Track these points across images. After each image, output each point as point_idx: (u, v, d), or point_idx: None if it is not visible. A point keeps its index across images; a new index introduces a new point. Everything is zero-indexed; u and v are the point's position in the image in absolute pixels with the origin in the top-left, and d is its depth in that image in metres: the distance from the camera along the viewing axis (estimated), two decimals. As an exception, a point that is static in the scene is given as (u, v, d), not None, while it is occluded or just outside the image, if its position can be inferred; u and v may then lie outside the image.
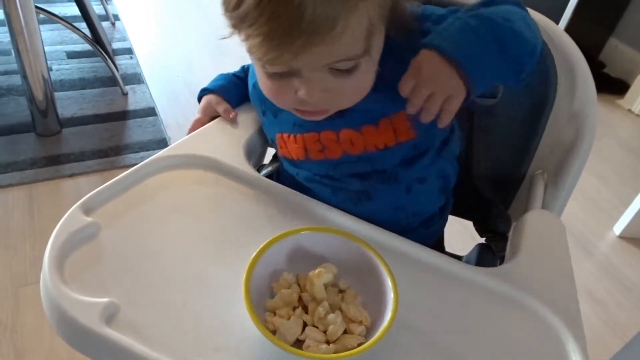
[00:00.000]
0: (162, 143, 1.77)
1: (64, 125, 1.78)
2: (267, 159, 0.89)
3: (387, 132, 0.65)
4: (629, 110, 2.31)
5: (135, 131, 1.81)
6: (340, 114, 0.64)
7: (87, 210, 0.58)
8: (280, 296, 0.52)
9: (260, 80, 0.61)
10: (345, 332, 0.50)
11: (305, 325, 0.50)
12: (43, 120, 1.73)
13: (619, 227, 1.67)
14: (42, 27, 1.67)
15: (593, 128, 0.74)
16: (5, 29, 1.59)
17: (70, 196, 1.54)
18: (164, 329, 0.49)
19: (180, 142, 0.70)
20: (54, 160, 1.64)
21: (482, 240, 0.84)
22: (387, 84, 0.60)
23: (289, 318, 0.50)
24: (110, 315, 0.49)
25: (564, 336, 0.54)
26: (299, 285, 0.53)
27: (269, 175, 0.82)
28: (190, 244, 0.58)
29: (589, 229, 1.69)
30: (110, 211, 0.60)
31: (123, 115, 1.88)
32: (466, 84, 0.55)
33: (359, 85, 0.59)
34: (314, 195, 0.68)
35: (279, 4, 0.49)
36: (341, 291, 0.54)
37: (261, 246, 0.52)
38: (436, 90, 0.55)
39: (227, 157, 0.68)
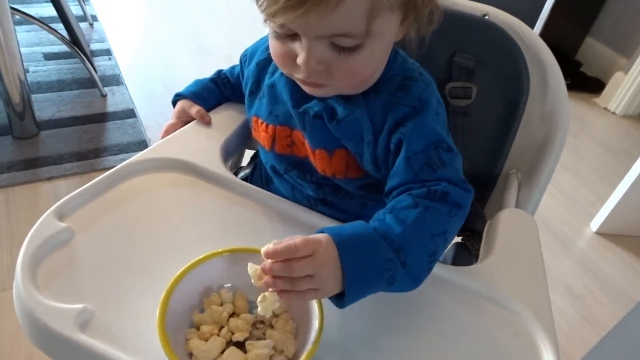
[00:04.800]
0: (142, 145, 1.75)
1: (41, 128, 1.75)
2: (246, 160, 0.89)
3: (338, 164, 0.66)
4: (605, 108, 2.36)
5: (115, 133, 1.80)
6: (303, 125, 0.66)
7: (60, 215, 0.58)
8: (210, 312, 0.52)
9: (270, 41, 0.62)
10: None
11: (227, 345, 0.50)
12: (20, 122, 1.70)
13: (595, 224, 1.70)
14: (18, 28, 1.64)
15: (565, 128, 0.75)
16: (-20, 30, 1.56)
17: (48, 200, 1.52)
18: (139, 334, 0.49)
19: (155, 145, 0.70)
20: (32, 163, 1.62)
21: (459, 239, 0.85)
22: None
23: (210, 336, 0.50)
24: (84, 321, 0.49)
25: (535, 331, 0.55)
26: (233, 304, 0.53)
27: (246, 178, 0.83)
28: (165, 248, 0.58)
29: (567, 225, 1.72)
30: (85, 216, 0.59)
31: (102, 117, 1.86)
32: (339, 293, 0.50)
33: (356, 69, 0.59)
34: (275, 187, 0.68)
35: None
36: (275, 315, 0.53)
37: (192, 262, 0.53)
38: (317, 275, 0.48)
39: (203, 160, 0.69)
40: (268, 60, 0.72)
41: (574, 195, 1.85)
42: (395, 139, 0.61)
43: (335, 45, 0.56)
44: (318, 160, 0.66)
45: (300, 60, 0.57)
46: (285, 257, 0.48)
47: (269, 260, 0.48)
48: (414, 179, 0.58)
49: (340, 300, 0.50)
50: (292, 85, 0.67)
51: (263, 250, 0.49)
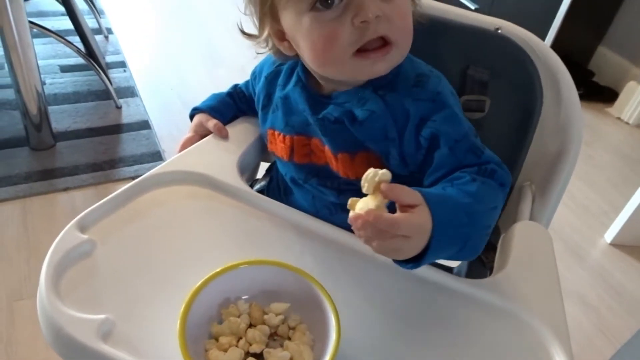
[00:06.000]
0: (157, 156, 1.78)
1: (57, 139, 1.78)
2: (261, 173, 0.90)
3: (361, 167, 0.66)
4: (618, 118, 2.34)
5: (130, 144, 1.82)
6: (324, 131, 0.67)
7: (82, 227, 0.59)
8: (228, 324, 0.52)
9: (309, 34, 0.61)
10: None
11: (246, 357, 0.50)
12: (37, 134, 1.73)
13: (610, 234, 1.69)
14: (35, 41, 1.67)
15: (578, 140, 0.75)
16: (-1, 43, 1.60)
17: (64, 210, 1.54)
18: (160, 345, 0.50)
19: (173, 158, 0.72)
20: (48, 174, 1.65)
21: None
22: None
23: (229, 347, 0.50)
24: (106, 332, 0.50)
25: (550, 345, 0.55)
26: (249, 315, 0.54)
27: (262, 190, 0.84)
28: (184, 260, 0.59)
29: (580, 235, 1.71)
30: (106, 228, 0.61)
31: (117, 129, 1.89)
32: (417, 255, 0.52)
33: (406, 10, 0.63)
34: (295, 198, 0.69)
35: None
36: (291, 328, 0.54)
37: (211, 274, 0.53)
38: (405, 239, 0.50)
39: (220, 173, 0.70)
40: (276, 72, 0.75)
41: (587, 204, 1.84)
42: (427, 133, 0.63)
43: None
44: (340, 164, 0.67)
45: (362, 15, 0.58)
46: (383, 229, 0.48)
47: (364, 214, 0.48)
48: (459, 166, 0.61)
49: (408, 263, 0.52)
50: (308, 94, 0.69)
51: (364, 208, 0.49)
